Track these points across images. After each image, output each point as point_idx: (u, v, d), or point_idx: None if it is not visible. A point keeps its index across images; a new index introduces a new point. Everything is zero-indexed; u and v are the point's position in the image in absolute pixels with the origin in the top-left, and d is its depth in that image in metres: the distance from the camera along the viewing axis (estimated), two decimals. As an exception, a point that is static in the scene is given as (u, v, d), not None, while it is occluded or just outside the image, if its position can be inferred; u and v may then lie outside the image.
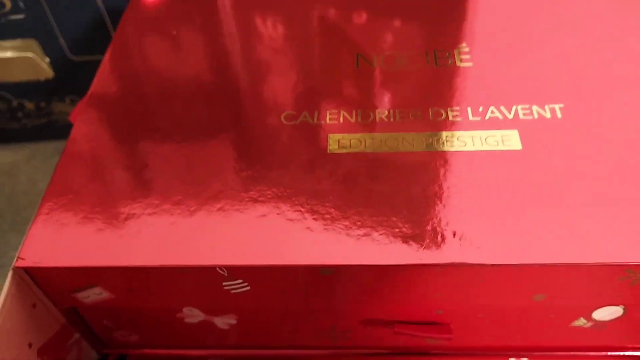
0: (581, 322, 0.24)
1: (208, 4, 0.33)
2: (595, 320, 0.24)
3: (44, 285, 0.23)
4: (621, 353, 0.26)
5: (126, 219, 0.22)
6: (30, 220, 0.38)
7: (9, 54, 0.42)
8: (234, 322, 0.25)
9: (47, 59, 0.43)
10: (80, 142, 0.26)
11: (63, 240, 0.22)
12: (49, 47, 0.42)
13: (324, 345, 0.27)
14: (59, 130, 0.48)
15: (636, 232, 0.20)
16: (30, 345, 0.23)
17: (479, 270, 0.21)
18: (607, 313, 0.23)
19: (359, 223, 0.22)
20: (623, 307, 0.23)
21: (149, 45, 0.31)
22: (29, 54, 0.42)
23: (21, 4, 0.39)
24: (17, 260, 0.22)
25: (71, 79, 0.44)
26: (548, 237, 0.21)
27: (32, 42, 0.41)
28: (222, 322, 0.25)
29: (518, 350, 0.26)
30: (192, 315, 0.25)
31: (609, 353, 0.26)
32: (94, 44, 0.42)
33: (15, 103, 0.46)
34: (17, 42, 0.41)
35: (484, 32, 0.30)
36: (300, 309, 0.24)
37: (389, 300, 0.23)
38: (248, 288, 0.22)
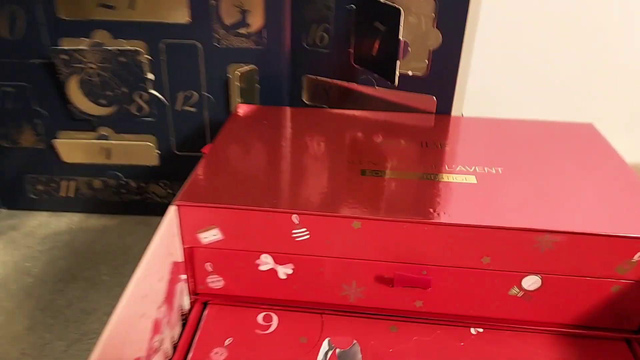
0: (515, 290, 0.37)
1: (277, 125, 0.51)
2: (524, 290, 0.37)
3: (183, 221, 0.37)
4: (548, 329, 0.38)
5: (244, 181, 0.38)
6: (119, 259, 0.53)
7: (131, 143, 0.60)
8: (290, 271, 0.38)
9: (158, 151, 0.61)
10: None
11: (206, 192, 0.37)
12: (162, 143, 0.60)
13: (343, 304, 0.39)
14: (148, 207, 0.64)
15: (542, 206, 0.36)
16: (169, 263, 0.36)
17: (448, 229, 0.35)
18: (531, 282, 0.37)
19: (380, 202, 0.37)
20: (540, 276, 0.37)
21: (237, 144, 0.48)
22: (149, 144, 0.60)
23: (155, 111, 0.58)
24: (175, 201, 0.37)
25: (170, 168, 0.62)
26: (488, 212, 0.36)
27: (152, 137, 0.60)
28: (283, 271, 0.39)
29: (475, 320, 0.39)
30: (266, 262, 0.38)
31: (540, 328, 0.38)
32: (194, 144, 0.60)
33: (123, 181, 0.63)
34: (141, 136, 0.60)
35: (456, 133, 0.48)
36: (334, 263, 0.38)
37: (392, 257, 0.37)
38: (308, 236, 0.37)
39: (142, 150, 0.60)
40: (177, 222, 0.37)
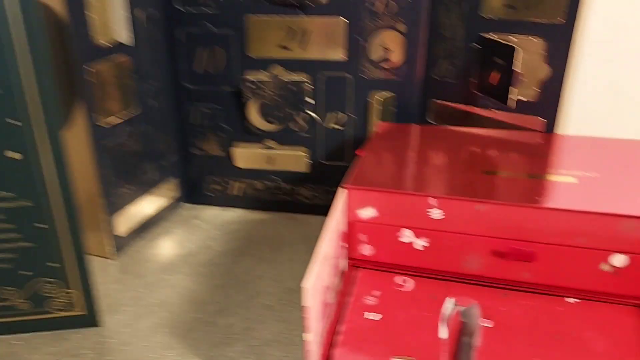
0: (605, 266, 0.47)
1: (411, 138, 0.65)
2: (613, 266, 0.47)
3: (348, 201, 0.51)
4: (634, 302, 0.48)
5: (392, 173, 0.52)
6: (276, 243, 0.68)
7: (288, 153, 0.76)
8: (425, 244, 0.51)
9: (309, 161, 0.76)
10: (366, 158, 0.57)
11: (365, 180, 0.51)
12: (312, 154, 0.76)
13: (465, 273, 0.51)
14: (296, 206, 0.80)
15: (630, 199, 0.46)
16: (338, 231, 0.50)
17: (552, 212, 0.46)
18: (618, 260, 0.47)
19: (498, 191, 0.49)
20: (626, 254, 0.46)
21: (382, 149, 0.63)
22: (302, 154, 0.76)
23: (310, 128, 0.74)
24: (344, 184, 0.51)
25: (317, 174, 0.77)
26: (584, 201, 0.46)
27: (305, 149, 0.76)
28: (419, 243, 0.51)
29: (571, 291, 0.49)
30: (406, 235, 0.51)
31: (627, 301, 0.48)
32: (337, 156, 0.75)
33: (278, 184, 0.79)
34: (297, 147, 0.76)
35: (560, 147, 0.59)
36: (459, 238, 0.50)
37: (506, 234, 0.48)
38: (441, 216, 0.49)
39: (297, 159, 0.76)
40: (344, 201, 0.51)
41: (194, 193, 0.82)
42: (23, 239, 0.53)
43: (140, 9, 0.66)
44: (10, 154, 0.50)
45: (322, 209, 0.78)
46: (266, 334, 0.57)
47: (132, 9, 0.65)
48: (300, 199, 0.79)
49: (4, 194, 0.51)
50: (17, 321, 0.57)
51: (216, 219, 0.80)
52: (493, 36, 0.61)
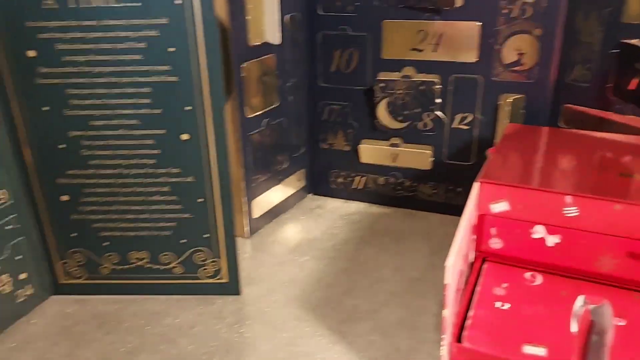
0: None
1: (542, 139, 0.66)
2: None
3: (481, 195, 0.53)
4: None
5: (525, 170, 0.53)
6: (396, 236, 0.71)
7: (413, 150, 0.80)
8: (558, 240, 0.52)
9: (432, 159, 0.79)
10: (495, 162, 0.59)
11: (498, 175, 0.53)
12: (436, 152, 0.79)
13: (597, 272, 0.51)
14: (415, 202, 0.83)
15: None
16: (470, 223, 0.53)
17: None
18: None
19: (637, 193, 0.49)
20: None
21: (513, 148, 0.64)
22: (426, 152, 0.79)
23: (436, 127, 0.77)
24: (479, 179, 0.53)
25: (439, 173, 0.80)
26: None
27: (429, 147, 0.79)
28: (552, 240, 0.52)
29: None
30: (538, 231, 0.53)
31: None
32: (461, 156, 0.77)
33: (400, 180, 0.82)
34: (421, 145, 0.79)
35: None
36: (594, 237, 0.50)
37: (645, 236, 0.48)
38: (577, 213, 0.50)
39: (420, 157, 0.79)
40: (477, 195, 0.54)
41: (319, 185, 0.88)
42: (183, 211, 0.61)
43: (286, 13, 0.73)
44: (182, 135, 0.57)
45: (441, 207, 0.81)
46: (390, 316, 0.60)
47: (281, 13, 0.71)
48: (420, 195, 0.82)
49: (171, 170, 0.59)
50: (172, 283, 0.65)
51: (339, 210, 0.84)
52: (635, 42, 0.61)
